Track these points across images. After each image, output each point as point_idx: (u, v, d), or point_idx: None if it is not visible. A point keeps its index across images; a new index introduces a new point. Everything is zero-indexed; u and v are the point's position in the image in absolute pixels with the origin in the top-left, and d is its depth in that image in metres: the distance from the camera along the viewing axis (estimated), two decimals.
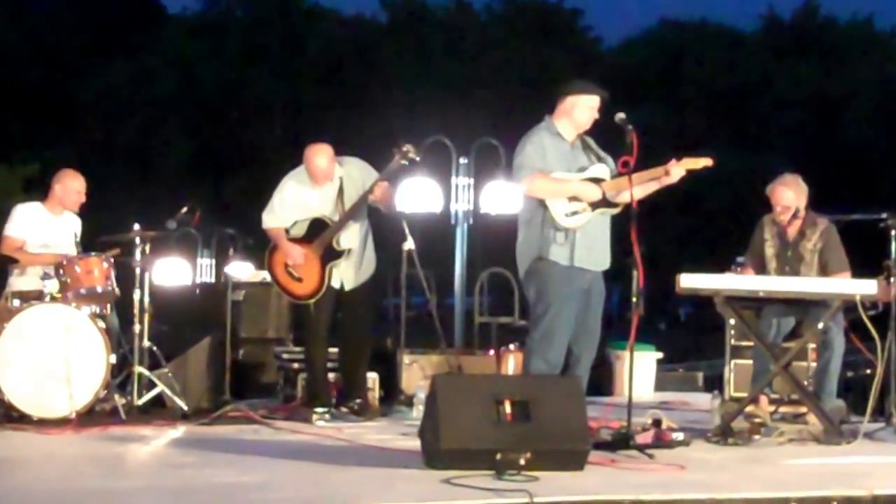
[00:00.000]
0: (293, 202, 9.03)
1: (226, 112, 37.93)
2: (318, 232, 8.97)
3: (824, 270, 8.72)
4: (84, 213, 9.45)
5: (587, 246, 7.80)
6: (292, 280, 9.04)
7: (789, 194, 8.79)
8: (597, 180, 7.83)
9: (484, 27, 42.18)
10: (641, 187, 7.74)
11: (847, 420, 8.51)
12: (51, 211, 9.23)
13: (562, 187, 7.76)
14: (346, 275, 9.03)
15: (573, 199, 7.77)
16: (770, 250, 8.88)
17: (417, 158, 9.06)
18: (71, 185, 9.25)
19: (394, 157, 8.88)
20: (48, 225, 9.18)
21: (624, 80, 36.64)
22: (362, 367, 9.24)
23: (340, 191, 8.98)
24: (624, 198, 7.82)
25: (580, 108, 7.88)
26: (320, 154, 8.99)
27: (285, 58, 38.80)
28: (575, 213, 7.75)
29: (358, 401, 9.06)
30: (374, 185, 8.85)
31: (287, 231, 9.06)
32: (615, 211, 7.91)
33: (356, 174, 9.05)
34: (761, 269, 8.87)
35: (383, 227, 9.32)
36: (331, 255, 8.96)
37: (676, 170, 7.73)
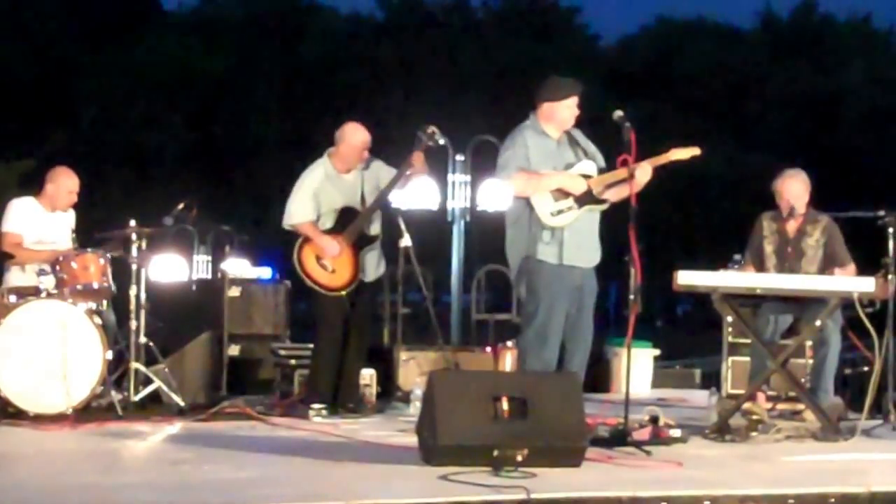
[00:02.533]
0: (317, 194, 8.96)
1: (222, 108, 37.88)
2: (348, 221, 8.91)
3: (831, 263, 8.71)
4: (80, 208, 9.43)
5: (576, 244, 7.78)
6: (326, 272, 8.92)
7: (797, 187, 8.81)
8: (584, 177, 7.80)
9: (480, 25, 42.17)
10: (615, 190, 7.76)
11: (844, 417, 8.51)
12: (44, 206, 9.21)
13: (546, 181, 7.73)
14: (369, 264, 9.03)
15: (559, 197, 7.74)
16: (769, 247, 8.88)
17: (442, 141, 9.07)
18: (64, 184, 9.22)
19: (419, 140, 8.87)
20: (43, 220, 9.17)
21: (621, 77, 36.68)
22: (359, 368, 9.21)
23: (362, 184, 8.98)
24: (610, 195, 7.81)
25: (559, 111, 7.86)
26: (358, 130, 9.00)
27: (282, 55, 38.76)
28: (560, 211, 7.73)
29: (350, 405, 9.02)
30: (408, 161, 8.83)
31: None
32: (602, 207, 7.88)
33: (375, 169, 9.04)
34: (760, 265, 8.87)
35: (381, 224, 9.29)
36: (363, 241, 8.94)
37: (641, 172, 7.65)
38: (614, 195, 7.82)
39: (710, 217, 34.99)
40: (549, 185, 7.72)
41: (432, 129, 8.89)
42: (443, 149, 9.55)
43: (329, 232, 8.92)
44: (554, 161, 7.83)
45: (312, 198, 8.96)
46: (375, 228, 9.03)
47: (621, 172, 7.64)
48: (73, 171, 9.34)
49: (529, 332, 7.81)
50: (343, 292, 8.91)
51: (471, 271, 12.23)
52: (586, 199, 7.77)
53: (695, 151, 7.80)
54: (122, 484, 6.16)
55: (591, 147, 7.99)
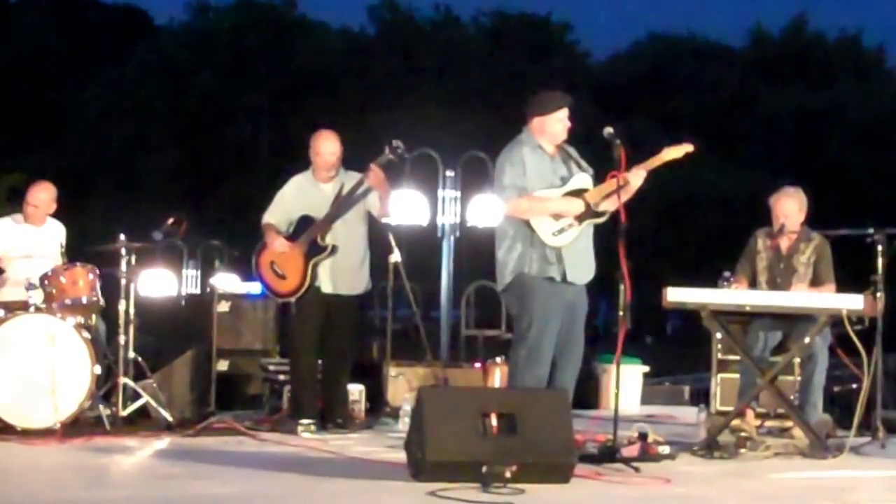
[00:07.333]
0: (292, 199, 8.97)
1: (212, 123, 37.91)
2: (305, 229, 8.90)
3: (814, 281, 8.74)
4: (70, 222, 9.41)
5: (576, 262, 7.76)
6: (277, 277, 8.92)
7: (791, 205, 8.82)
8: (580, 191, 7.79)
9: (472, 40, 42.26)
10: (610, 200, 7.74)
11: (833, 434, 8.51)
12: (28, 222, 9.20)
13: (544, 206, 7.70)
14: (340, 278, 8.91)
15: (559, 216, 7.72)
16: (762, 263, 8.90)
17: (406, 155, 9.06)
18: (31, 198, 9.19)
19: (384, 152, 8.84)
20: (27, 236, 9.16)
21: (612, 94, 36.78)
22: (344, 383, 9.19)
23: (339, 195, 8.94)
24: (607, 205, 7.79)
25: (550, 124, 7.82)
26: (324, 138, 9.00)
27: (273, 69, 38.82)
28: (562, 230, 7.70)
29: (339, 421, 8.99)
30: (366, 173, 8.78)
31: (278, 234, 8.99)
32: (602, 220, 7.86)
33: (350, 179, 9.00)
34: (752, 281, 8.89)
35: (370, 240, 9.27)
36: (314, 250, 8.83)
37: (634, 177, 7.65)
38: (610, 205, 7.80)
39: (699, 233, 35.06)
40: (550, 209, 7.68)
41: (397, 143, 8.88)
42: (403, 163, 9.54)
43: (287, 238, 8.91)
44: (549, 176, 7.80)
45: (286, 201, 9.00)
46: (333, 239, 8.86)
47: (615, 182, 7.63)
48: (52, 185, 9.28)
49: (522, 349, 7.76)
50: (291, 299, 8.89)
51: (460, 287, 12.23)
52: (586, 214, 7.75)
53: (687, 148, 7.75)
54: (110, 499, 6.14)
55: (583, 162, 7.97)
